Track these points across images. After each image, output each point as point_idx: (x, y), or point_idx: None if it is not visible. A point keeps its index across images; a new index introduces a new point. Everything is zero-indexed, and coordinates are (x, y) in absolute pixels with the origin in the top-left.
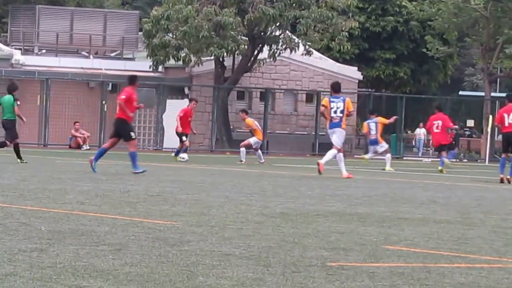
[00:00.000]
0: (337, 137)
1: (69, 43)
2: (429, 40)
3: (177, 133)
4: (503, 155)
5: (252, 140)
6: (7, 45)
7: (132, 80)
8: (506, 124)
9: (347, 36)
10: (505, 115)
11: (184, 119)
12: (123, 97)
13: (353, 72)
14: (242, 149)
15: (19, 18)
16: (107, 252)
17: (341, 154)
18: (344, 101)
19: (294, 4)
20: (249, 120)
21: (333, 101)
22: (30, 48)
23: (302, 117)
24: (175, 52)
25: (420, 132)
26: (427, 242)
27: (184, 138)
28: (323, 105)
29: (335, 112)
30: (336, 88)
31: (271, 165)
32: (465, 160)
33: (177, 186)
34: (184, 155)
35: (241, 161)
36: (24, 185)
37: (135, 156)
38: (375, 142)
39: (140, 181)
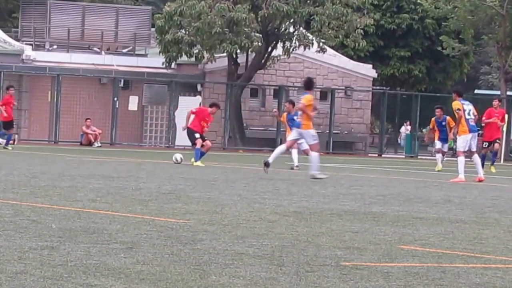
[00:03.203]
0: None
1: (81, 38)
2: (444, 40)
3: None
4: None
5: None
6: (18, 40)
7: None
8: None
9: (362, 33)
10: None
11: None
12: None
13: (367, 70)
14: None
15: (30, 13)
16: (118, 250)
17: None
18: (471, 104)
19: (308, 1)
20: None
21: (464, 103)
22: (41, 44)
23: (316, 115)
24: (187, 49)
25: (404, 129)
26: (442, 242)
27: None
28: (458, 109)
29: (469, 114)
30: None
31: (284, 163)
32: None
33: (190, 184)
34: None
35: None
36: (34, 182)
37: None
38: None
39: (152, 179)
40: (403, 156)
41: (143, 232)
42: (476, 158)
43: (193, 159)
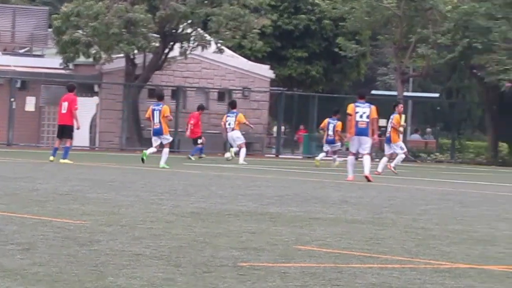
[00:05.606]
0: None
1: None
2: (341, 42)
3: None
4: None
5: None
6: None
7: None
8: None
9: (259, 34)
10: None
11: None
12: None
13: (265, 71)
14: None
15: None
16: (15, 251)
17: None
18: (370, 107)
19: (206, 1)
20: None
21: (358, 106)
22: None
23: (214, 115)
24: (85, 49)
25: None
26: (339, 242)
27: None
28: (349, 114)
29: (361, 116)
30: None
31: (182, 164)
32: (377, 160)
33: (87, 185)
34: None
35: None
36: None
37: None
38: (332, 142)
39: (49, 180)
40: (301, 157)
41: (40, 233)
42: (366, 160)
43: (64, 160)
